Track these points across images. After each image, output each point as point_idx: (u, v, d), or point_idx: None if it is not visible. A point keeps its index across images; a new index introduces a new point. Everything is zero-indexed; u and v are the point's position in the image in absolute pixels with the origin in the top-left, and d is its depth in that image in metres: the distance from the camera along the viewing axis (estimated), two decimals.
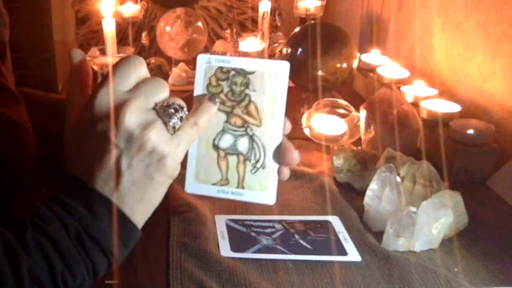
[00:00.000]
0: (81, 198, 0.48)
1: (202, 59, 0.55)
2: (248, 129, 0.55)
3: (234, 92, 0.54)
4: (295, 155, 0.55)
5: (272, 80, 0.54)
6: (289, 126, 0.55)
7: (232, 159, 0.55)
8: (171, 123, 0.50)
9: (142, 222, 0.51)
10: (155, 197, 0.51)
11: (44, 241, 0.46)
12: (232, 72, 0.55)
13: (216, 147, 0.55)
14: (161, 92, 0.51)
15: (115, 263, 0.49)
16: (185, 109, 0.51)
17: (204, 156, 0.55)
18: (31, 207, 0.48)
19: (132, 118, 0.48)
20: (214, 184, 0.55)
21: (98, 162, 0.48)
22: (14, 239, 0.45)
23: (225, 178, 0.55)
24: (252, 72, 0.54)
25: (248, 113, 0.55)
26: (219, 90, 0.55)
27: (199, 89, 0.55)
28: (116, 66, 0.50)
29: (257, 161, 0.55)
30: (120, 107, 0.48)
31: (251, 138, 0.55)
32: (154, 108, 0.50)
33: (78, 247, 0.47)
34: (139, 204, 0.50)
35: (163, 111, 0.49)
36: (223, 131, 0.55)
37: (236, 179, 0.55)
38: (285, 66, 0.54)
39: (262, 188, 0.55)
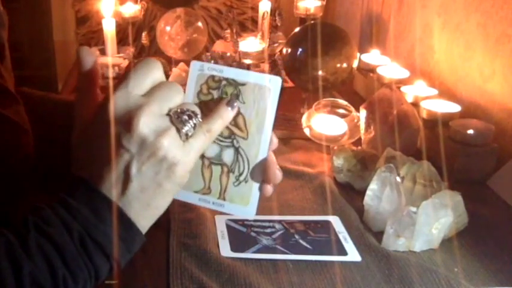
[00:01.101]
0: (86, 200, 0.48)
1: (194, 66, 0.54)
2: (234, 141, 0.54)
3: None
4: (277, 173, 0.54)
5: (263, 93, 0.53)
6: (275, 141, 0.55)
7: (216, 169, 0.55)
8: (184, 130, 0.49)
9: (147, 228, 0.51)
10: (162, 203, 0.50)
11: (47, 244, 0.45)
12: (224, 82, 0.54)
13: (201, 155, 0.54)
14: (176, 97, 0.51)
15: (116, 268, 0.48)
16: (199, 116, 0.51)
17: None
18: (35, 208, 0.47)
19: (146, 124, 0.48)
20: (196, 192, 0.55)
21: (107, 165, 0.48)
22: (16, 241, 0.45)
23: (207, 187, 0.55)
24: (244, 84, 0.54)
25: (236, 125, 0.54)
26: (209, 98, 0.54)
27: (190, 95, 0.54)
28: (132, 68, 0.50)
29: (240, 174, 0.54)
30: (134, 112, 0.48)
31: (236, 150, 0.54)
32: (168, 114, 0.50)
33: (81, 251, 0.46)
34: (146, 210, 0.49)
35: (176, 118, 0.49)
36: None
37: (218, 190, 0.55)
38: (276, 81, 0.53)
39: (243, 202, 0.55)
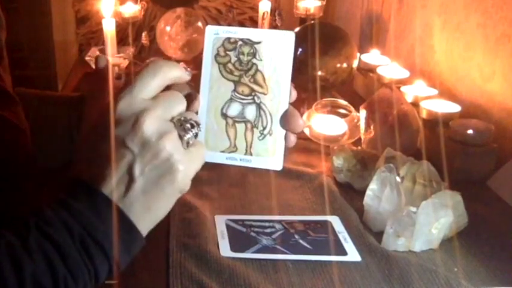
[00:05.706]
0: (87, 201, 0.48)
1: (210, 31, 0.57)
2: (255, 98, 0.56)
3: (241, 62, 0.56)
4: (300, 122, 0.56)
5: (278, 49, 0.56)
6: (294, 94, 0.57)
7: (240, 127, 0.56)
8: (186, 138, 0.50)
9: (146, 232, 0.51)
10: (163, 208, 0.51)
11: (48, 245, 0.45)
12: (240, 43, 0.56)
13: (224, 115, 0.56)
14: (179, 106, 0.52)
15: (116, 270, 0.48)
16: (201, 126, 0.52)
17: (212, 125, 0.56)
18: (35, 209, 0.47)
19: (149, 125, 0.48)
20: (223, 151, 0.57)
21: (109, 166, 0.48)
22: (17, 242, 0.45)
23: (233, 145, 0.57)
24: (259, 42, 0.56)
25: (255, 82, 0.56)
26: (226, 60, 0.56)
27: (207, 60, 0.56)
28: (139, 73, 0.51)
29: (264, 128, 0.56)
30: (139, 114, 0.48)
31: (258, 106, 0.56)
32: (171, 121, 0.51)
33: (82, 252, 0.46)
34: (147, 213, 0.49)
35: (180, 125, 0.50)
36: (231, 100, 0.56)
37: (244, 146, 0.56)
38: (290, 36, 0.56)
39: (270, 154, 0.56)
